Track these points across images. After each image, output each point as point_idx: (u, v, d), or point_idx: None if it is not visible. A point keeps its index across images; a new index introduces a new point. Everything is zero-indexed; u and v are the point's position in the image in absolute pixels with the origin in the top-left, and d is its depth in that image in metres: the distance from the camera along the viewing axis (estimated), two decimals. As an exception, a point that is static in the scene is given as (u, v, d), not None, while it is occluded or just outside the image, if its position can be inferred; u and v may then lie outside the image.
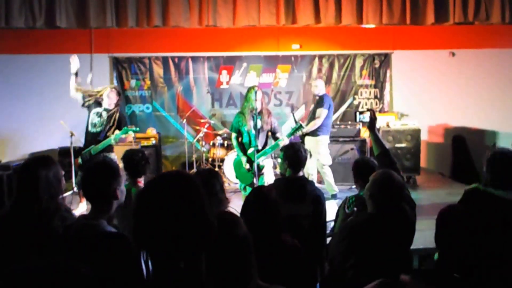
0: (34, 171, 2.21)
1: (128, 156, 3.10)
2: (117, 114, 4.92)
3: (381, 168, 2.48)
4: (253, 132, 4.61)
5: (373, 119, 2.74)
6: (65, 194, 5.96)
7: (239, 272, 1.35)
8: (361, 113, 3.18)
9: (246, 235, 1.42)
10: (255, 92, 4.60)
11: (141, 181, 3.09)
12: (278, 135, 4.72)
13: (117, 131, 4.77)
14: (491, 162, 2.45)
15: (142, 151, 3.23)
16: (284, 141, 4.49)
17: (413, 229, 2.44)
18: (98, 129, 4.85)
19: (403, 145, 6.55)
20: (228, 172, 6.47)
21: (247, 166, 4.65)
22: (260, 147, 4.62)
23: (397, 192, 2.24)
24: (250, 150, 4.65)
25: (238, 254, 1.36)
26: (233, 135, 4.85)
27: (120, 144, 4.91)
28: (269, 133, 4.79)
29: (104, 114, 4.87)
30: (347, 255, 2.17)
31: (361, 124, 6.60)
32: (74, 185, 5.93)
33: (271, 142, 4.75)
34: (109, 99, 4.91)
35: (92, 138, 4.87)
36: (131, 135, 4.73)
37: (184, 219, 1.05)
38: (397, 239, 2.16)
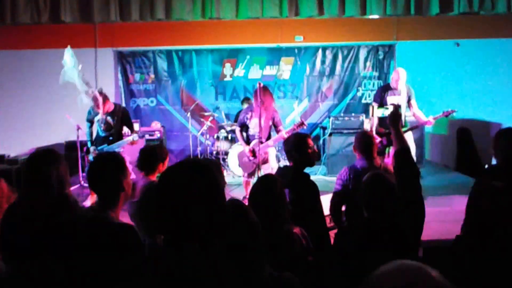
0: (40, 166, 2.24)
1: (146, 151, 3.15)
2: (121, 113, 5.03)
3: (400, 166, 2.42)
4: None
5: (395, 113, 2.69)
6: (71, 188, 6.05)
7: (252, 259, 1.37)
8: (379, 107, 3.22)
9: (257, 222, 1.44)
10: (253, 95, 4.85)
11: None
12: (280, 128, 4.84)
13: (126, 129, 5.07)
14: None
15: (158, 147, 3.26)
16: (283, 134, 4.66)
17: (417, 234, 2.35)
18: (108, 133, 4.97)
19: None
20: (233, 165, 6.50)
21: (250, 154, 4.87)
22: (264, 140, 4.77)
23: (388, 195, 2.18)
24: (253, 142, 4.85)
25: (250, 241, 1.38)
26: (238, 128, 5.06)
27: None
28: (272, 126, 4.95)
29: (110, 119, 4.95)
30: (343, 261, 2.14)
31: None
32: (81, 178, 6.01)
33: (274, 135, 4.92)
34: (99, 107, 4.94)
35: (103, 141, 4.98)
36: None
37: (202, 204, 1.09)
38: (395, 244, 2.10)
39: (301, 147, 2.88)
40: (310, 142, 2.93)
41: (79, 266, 1.80)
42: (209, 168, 1.16)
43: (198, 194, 1.09)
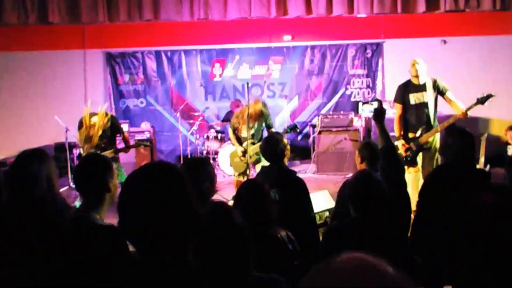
0: (29, 164, 2.22)
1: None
2: (109, 123, 5.00)
3: (386, 162, 2.44)
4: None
5: (379, 110, 2.62)
6: (61, 190, 5.97)
7: (237, 262, 1.35)
8: (364, 103, 3.13)
9: (243, 224, 1.42)
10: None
11: None
12: (272, 129, 4.95)
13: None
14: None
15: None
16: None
17: (405, 234, 2.36)
18: (102, 141, 4.95)
19: (396, 133, 6.60)
20: (223, 164, 6.53)
21: (241, 154, 4.92)
22: (256, 141, 4.87)
23: (376, 193, 2.15)
24: (245, 143, 4.90)
25: (236, 244, 1.36)
26: (230, 129, 5.13)
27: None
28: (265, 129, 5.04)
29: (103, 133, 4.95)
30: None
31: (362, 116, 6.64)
32: (70, 180, 5.98)
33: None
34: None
35: (96, 148, 4.96)
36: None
37: (167, 209, 1.06)
38: (384, 244, 2.08)
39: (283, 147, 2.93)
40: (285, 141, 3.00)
41: (61, 268, 1.78)
42: (174, 170, 1.13)
43: (161, 199, 1.06)
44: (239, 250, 1.36)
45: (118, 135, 5.10)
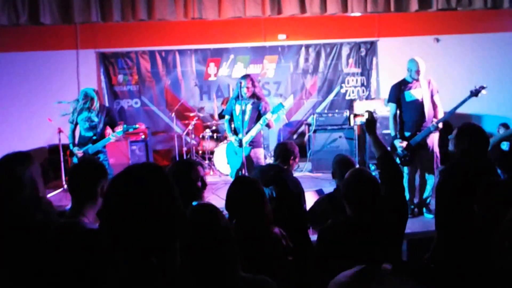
0: (12, 168, 2.14)
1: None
2: (105, 113, 4.96)
3: (381, 173, 2.44)
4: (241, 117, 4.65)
5: (370, 120, 2.62)
6: (55, 192, 5.93)
7: (223, 263, 1.35)
8: (355, 116, 3.15)
9: (227, 225, 1.43)
10: (240, 82, 4.62)
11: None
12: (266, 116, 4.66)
13: (109, 130, 4.92)
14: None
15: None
16: (269, 117, 4.49)
17: (400, 233, 2.37)
18: (92, 132, 4.89)
19: (390, 131, 6.63)
20: (219, 164, 6.52)
21: (236, 144, 4.63)
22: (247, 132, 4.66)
23: (371, 191, 2.15)
24: (239, 136, 4.75)
25: (220, 245, 1.36)
26: (226, 117, 4.87)
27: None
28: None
29: (94, 117, 4.88)
30: (325, 261, 2.13)
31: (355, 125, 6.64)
32: (63, 182, 5.94)
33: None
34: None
35: (87, 140, 4.90)
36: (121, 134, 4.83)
37: (153, 210, 1.04)
38: (379, 243, 2.09)
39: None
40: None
41: (48, 274, 1.73)
42: (158, 172, 1.11)
43: (146, 200, 1.04)
44: (224, 252, 1.36)
45: (110, 130, 5.04)
